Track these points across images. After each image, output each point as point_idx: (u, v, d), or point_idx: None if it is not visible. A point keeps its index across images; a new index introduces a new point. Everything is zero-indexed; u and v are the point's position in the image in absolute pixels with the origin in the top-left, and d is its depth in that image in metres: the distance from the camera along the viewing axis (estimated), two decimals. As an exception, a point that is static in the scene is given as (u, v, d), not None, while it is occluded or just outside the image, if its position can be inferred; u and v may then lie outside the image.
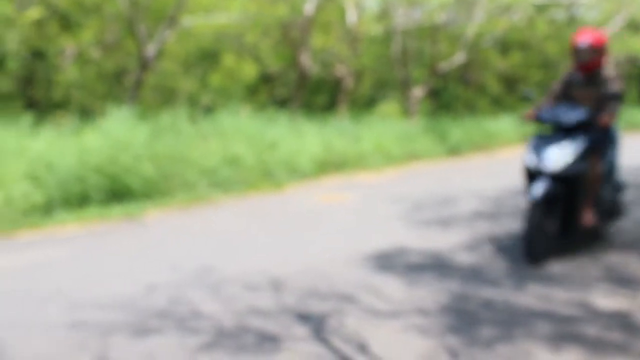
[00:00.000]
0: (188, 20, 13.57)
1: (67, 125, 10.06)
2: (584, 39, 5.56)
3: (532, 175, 5.53)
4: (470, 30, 16.01)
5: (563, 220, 5.56)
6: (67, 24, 15.12)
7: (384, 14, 17.44)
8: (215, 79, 16.74)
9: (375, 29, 17.19)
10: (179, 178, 8.51)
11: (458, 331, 3.92)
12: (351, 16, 16.32)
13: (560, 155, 5.37)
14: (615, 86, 5.52)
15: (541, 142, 5.54)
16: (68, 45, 15.39)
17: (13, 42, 14.01)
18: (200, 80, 16.82)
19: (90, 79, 15.69)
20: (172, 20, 12.36)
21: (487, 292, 4.63)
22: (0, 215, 6.86)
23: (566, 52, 18.82)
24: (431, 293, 4.64)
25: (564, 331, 3.91)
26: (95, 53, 15.98)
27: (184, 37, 15.41)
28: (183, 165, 8.66)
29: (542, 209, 5.24)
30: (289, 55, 17.08)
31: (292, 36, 15.81)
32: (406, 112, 16.27)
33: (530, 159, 5.52)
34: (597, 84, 5.61)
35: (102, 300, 4.53)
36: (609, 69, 5.63)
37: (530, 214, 5.23)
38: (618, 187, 6.01)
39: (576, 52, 5.61)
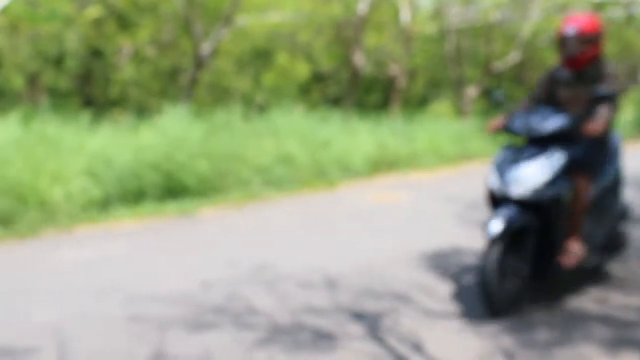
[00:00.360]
0: (243, 19, 13.68)
1: (123, 123, 10.24)
2: (572, 25, 4.40)
3: (498, 200, 4.37)
4: (526, 29, 15.84)
5: (536, 259, 4.35)
6: (124, 23, 15.39)
7: (437, 13, 17.36)
8: (268, 77, 16.86)
9: (429, 28, 17.11)
10: (233, 176, 8.59)
11: (514, 333, 3.88)
12: (405, 15, 16.26)
13: (531, 176, 4.19)
14: (609, 86, 4.37)
15: (508, 157, 4.36)
16: (125, 44, 15.66)
17: (72, 41, 14.33)
18: (253, 79, 16.96)
19: (146, 77, 15.97)
20: (227, 19, 12.48)
21: (543, 294, 4.57)
22: (60, 210, 7.01)
23: (625, 52, 18.49)
24: (486, 294, 4.61)
25: (623, 336, 3.84)
26: (151, 52, 16.23)
27: (237, 36, 15.57)
28: (237, 163, 8.74)
29: (503, 246, 4.09)
30: (341, 54, 17.12)
31: (345, 35, 15.84)
32: (459, 111, 16.17)
33: (494, 180, 4.35)
34: (589, 83, 4.47)
35: (159, 295, 4.60)
36: (606, 64, 4.49)
37: (487, 253, 4.04)
38: (620, 213, 4.88)
39: (562, 42, 4.46)
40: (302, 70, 17.11)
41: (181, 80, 16.27)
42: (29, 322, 4.11)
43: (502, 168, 4.31)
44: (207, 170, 8.31)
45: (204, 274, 5.11)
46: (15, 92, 15.49)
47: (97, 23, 15.01)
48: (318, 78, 18.61)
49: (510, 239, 4.13)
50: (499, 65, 16.38)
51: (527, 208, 4.21)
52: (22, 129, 7.91)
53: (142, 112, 13.19)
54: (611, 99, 4.28)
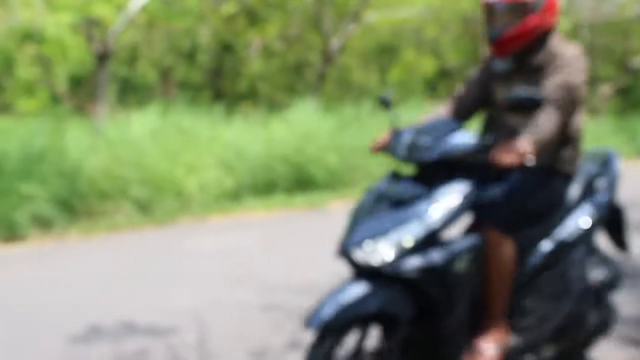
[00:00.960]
0: (371, 15, 13.70)
1: (254, 116, 10.48)
2: None
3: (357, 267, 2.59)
4: (667, 23, 15.11)
5: None
6: (254, 19, 15.72)
7: (570, 8, 16.82)
8: (394, 73, 16.83)
9: (561, 23, 16.61)
10: (362, 170, 8.63)
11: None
12: (536, 10, 15.84)
13: (395, 231, 2.48)
14: (553, 81, 2.69)
15: (373, 197, 2.65)
16: (254, 39, 16.00)
17: (205, 36, 14.78)
18: (379, 74, 16.97)
19: (274, 71, 16.24)
20: (355, 15, 12.52)
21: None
22: (195, 200, 7.25)
23: None
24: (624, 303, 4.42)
25: None
26: (279, 46, 16.51)
27: (364, 32, 15.61)
28: (366, 157, 8.76)
29: (336, 344, 2.50)
30: (469, 50, 16.87)
31: (473, 30, 15.60)
32: (592, 110, 15.62)
33: (345, 234, 2.62)
34: (531, 76, 2.81)
35: (291, 285, 4.67)
36: (560, 47, 2.78)
37: (312, 354, 2.48)
38: (606, 280, 3.10)
39: (487, 14, 2.81)
40: (428, 65, 16.98)
41: (307, 74, 16.47)
42: (170, 305, 4.27)
43: (357, 215, 2.63)
44: (336, 163, 8.39)
45: (335, 266, 5.13)
46: (148, 85, 16.12)
47: (229, 19, 15.41)
48: (444, 73, 18.41)
49: (360, 332, 2.59)
50: (637, 61, 15.71)
51: (395, 281, 2.51)
52: (159, 121, 8.23)
53: (271, 105, 13.46)
54: (544, 104, 2.58)
